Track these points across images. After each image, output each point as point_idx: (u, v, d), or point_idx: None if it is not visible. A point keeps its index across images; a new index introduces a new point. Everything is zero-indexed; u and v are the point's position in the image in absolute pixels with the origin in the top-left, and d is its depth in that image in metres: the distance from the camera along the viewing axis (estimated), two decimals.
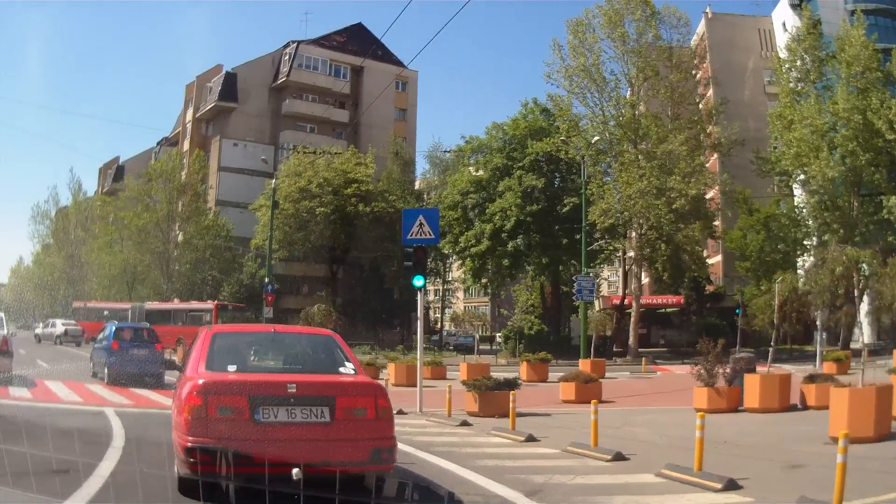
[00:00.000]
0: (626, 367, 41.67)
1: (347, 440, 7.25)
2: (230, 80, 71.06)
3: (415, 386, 23.66)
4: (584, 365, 32.05)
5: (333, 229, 58.33)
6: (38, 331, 54.97)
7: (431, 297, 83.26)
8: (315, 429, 7.18)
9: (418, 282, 18.91)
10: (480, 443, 13.85)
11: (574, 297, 47.33)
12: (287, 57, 73.09)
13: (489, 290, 67.73)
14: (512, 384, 17.81)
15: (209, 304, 51.62)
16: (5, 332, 21.53)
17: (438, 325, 79.42)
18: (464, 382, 19.21)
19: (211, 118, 73.98)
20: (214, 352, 7.97)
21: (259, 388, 7.26)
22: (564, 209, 49.07)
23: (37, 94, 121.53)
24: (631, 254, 49.43)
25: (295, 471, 6.60)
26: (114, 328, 25.41)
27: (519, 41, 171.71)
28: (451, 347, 62.93)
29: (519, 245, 50.43)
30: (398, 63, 77.87)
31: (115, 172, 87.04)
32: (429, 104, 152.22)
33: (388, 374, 28.60)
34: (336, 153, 62.21)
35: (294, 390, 7.22)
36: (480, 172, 54.16)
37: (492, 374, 23.43)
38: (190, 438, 6.84)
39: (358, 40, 73.99)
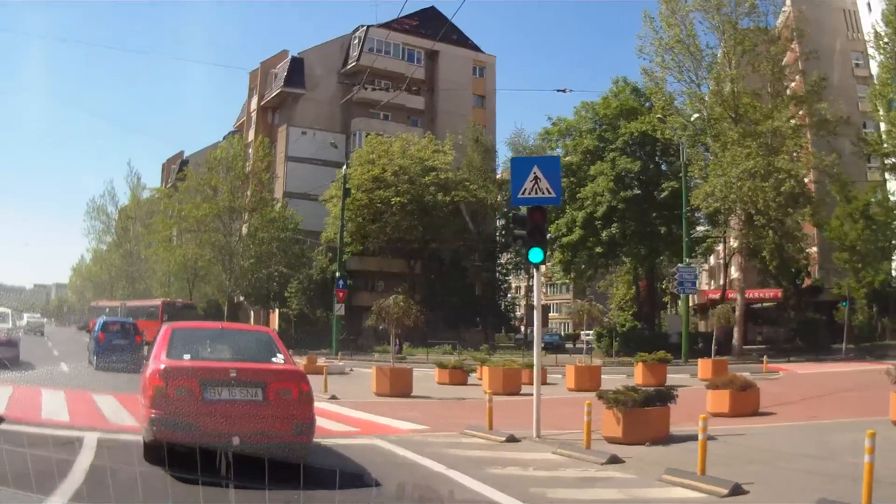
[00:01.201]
0: (737, 366, 40.41)
1: (276, 416, 9.74)
2: (297, 65, 71.82)
3: (516, 394, 23.89)
4: (704, 366, 31.59)
5: (410, 220, 58.38)
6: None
7: (513, 292, 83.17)
8: (251, 406, 9.69)
9: (536, 256, 14.85)
10: None
11: (674, 290, 47.10)
12: (357, 41, 73.45)
13: (579, 284, 66.98)
14: (665, 396, 14.46)
15: (157, 301, 63.49)
16: (9, 325, 29.57)
17: (516, 323, 79.50)
18: (601, 396, 14.14)
19: (277, 106, 75.10)
20: (173, 343, 10.62)
21: (207, 372, 9.79)
22: (662, 194, 48.94)
23: (96, 88, 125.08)
24: (733, 243, 48.87)
25: (235, 439, 9.12)
26: (101, 322, 31.48)
27: (603, 19, 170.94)
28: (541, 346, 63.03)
29: (614, 233, 50.17)
30: (474, 48, 78.60)
31: (179, 168, 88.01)
32: (508, 91, 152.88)
33: (482, 380, 26.79)
34: (412, 141, 62.55)
35: (235, 375, 9.73)
36: (569, 157, 54.09)
37: (603, 376, 24.27)
38: (153, 411, 9.39)
39: (431, 24, 74.01)
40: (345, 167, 53.72)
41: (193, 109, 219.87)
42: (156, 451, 9.22)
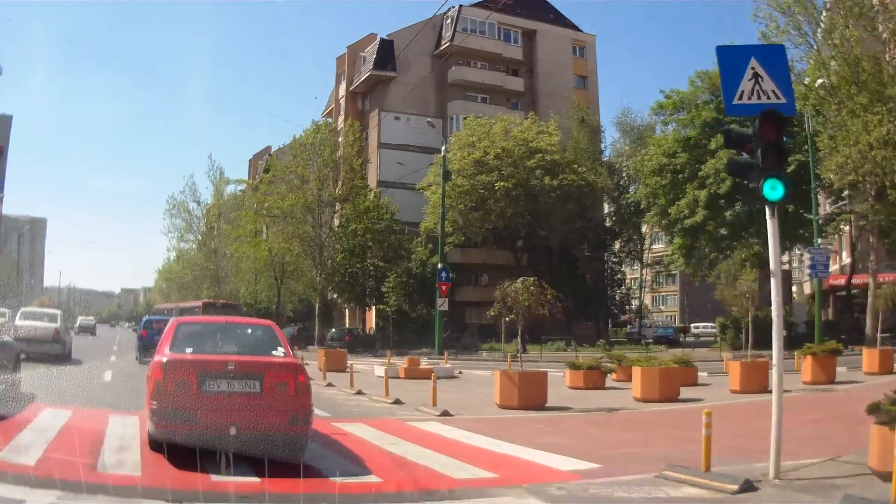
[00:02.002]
0: None
1: (272, 407, 10.42)
2: (386, 47, 71.84)
3: (674, 400, 20.58)
4: (870, 357, 28.24)
5: (516, 207, 57.39)
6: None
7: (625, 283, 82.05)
8: (248, 397, 10.35)
9: (774, 191, 10.30)
10: None
11: (809, 274, 45.79)
12: (449, 21, 73.21)
13: (698, 276, 65.15)
14: None
15: (199, 302, 64.96)
16: (58, 325, 31.62)
17: (630, 316, 78.48)
18: (875, 409, 9.36)
19: (367, 91, 75.32)
20: (177, 338, 11.39)
21: (206, 365, 10.49)
22: (787, 168, 47.49)
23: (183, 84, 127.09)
24: (860, 221, 47.26)
25: (231, 428, 9.91)
26: (144, 321, 36.14)
27: None
28: (651, 340, 61.97)
29: (739, 213, 48.87)
30: (573, 27, 77.87)
31: (267, 163, 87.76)
32: (609, 72, 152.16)
33: (627, 383, 23.39)
34: (514, 122, 61.44)
35: (233, 367, 10.43)
36: (687, 131, 53.09)
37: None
38: (153, 403, 10.13)
39: (527, 2, 74.00)
40: (444, 148, 52.94)
41: (279, 102, 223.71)
42: (159, 442, 10.29)
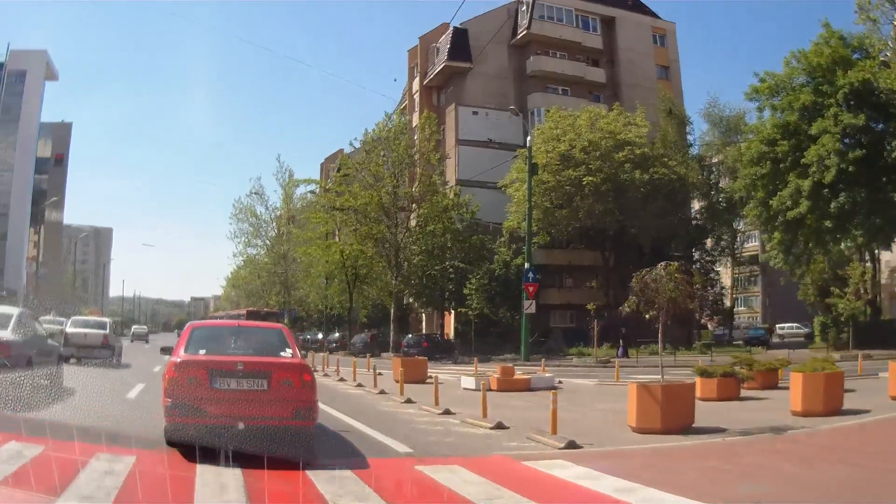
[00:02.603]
0: None
1: (278, 402, 11.82)
2: (460, 36, 71.53)
3: (836, 413, 17.44)
4: None
5: (605, 203, 56.49)
6: None
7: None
8: (256, 394, 11.71)
9: None
10: None
11: None
12: (525, 8, 73.08)
13: (796, 273, 63.28)
14: None
15: (243, 310, 71.74)
16: (107, 332, 36.17)
17: (708, 318, 77.06)
18: None
19: (441, 84, 75.25)
20: (192, 340, 12.91)
21: (216, 364, 11.89)
22: (894, 153, 46.28)
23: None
24: None
25: (240, 423, 11.26)
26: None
27: None
28: (742, 342, 60.96)
29: (844, 203, 47.37)
30: (652, 14, 77.24)
31: (338, 162, 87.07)
32: (689, 61, 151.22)
33: (791, 394, 18.74)
34: (600, 114, 60.49)
35: (241, 367, 11.84)
36: (786, 115, 51.83)
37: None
38: (167, 399, 11.48)
39: None
40: (528, 139, 52.36)
41: (350, 103, 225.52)
42: (174, 436, 11.65)
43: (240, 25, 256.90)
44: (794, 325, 77.76)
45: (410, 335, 63.25)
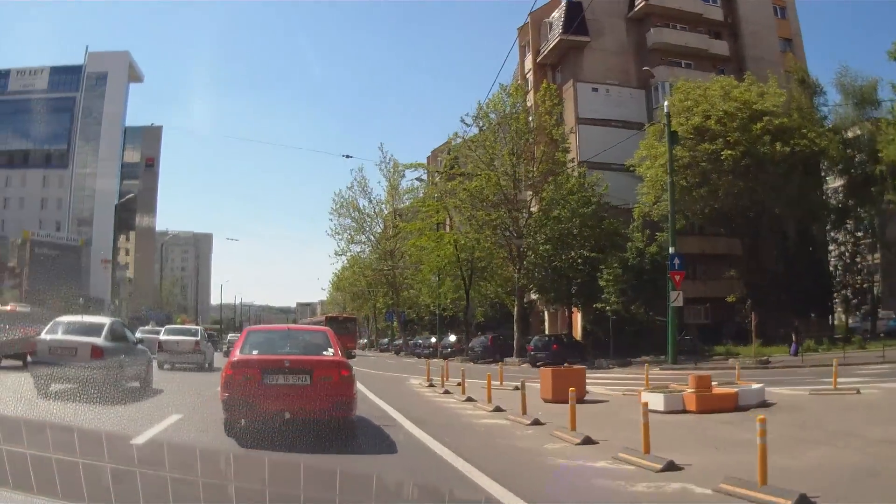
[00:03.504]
0: None
1: (319, 395, 14.02)
2: (574, 10, 68.72)
3: None
4: None
5: (745, 181, 52.97)
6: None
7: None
8: (300, 388, 14.08)
9: None
10: None
11: None
12: None
13: None
14: None
15: (323, 317, 78.51)
16: (198, 338, 41.43)
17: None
18: None
19: (557, 62, 73.55)
20: (247, 342, 15.55)
21: (267, 363, 14.38)
22: None
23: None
24: None
25: (286, 413, 13.69)
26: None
27: None
28: (883, 335, 57.87)
29: None
30: None
31: (450, 143, 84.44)
32: (810, 33, 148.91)
33: None
34: (732, 84, 57.28)
35: (288, 365, 14.25)
36: None
37: None
38: (224, 394, 14.03)
39: None
40: (665, 104, 50.03)
41: (457, 91, 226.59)
42: (232, 428, 14.26)
43: (336, 21, 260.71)
44: None
45: (537, 337, 59.63)
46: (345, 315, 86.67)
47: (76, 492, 5.80)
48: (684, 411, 19.03)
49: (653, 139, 53.56)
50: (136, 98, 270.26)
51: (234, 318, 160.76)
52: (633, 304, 53.34)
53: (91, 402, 18.42)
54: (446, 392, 28.28)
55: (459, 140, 65.01)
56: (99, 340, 22.13)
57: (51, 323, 23.55)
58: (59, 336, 22.18)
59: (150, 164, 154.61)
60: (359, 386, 20.92)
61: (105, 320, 25.15)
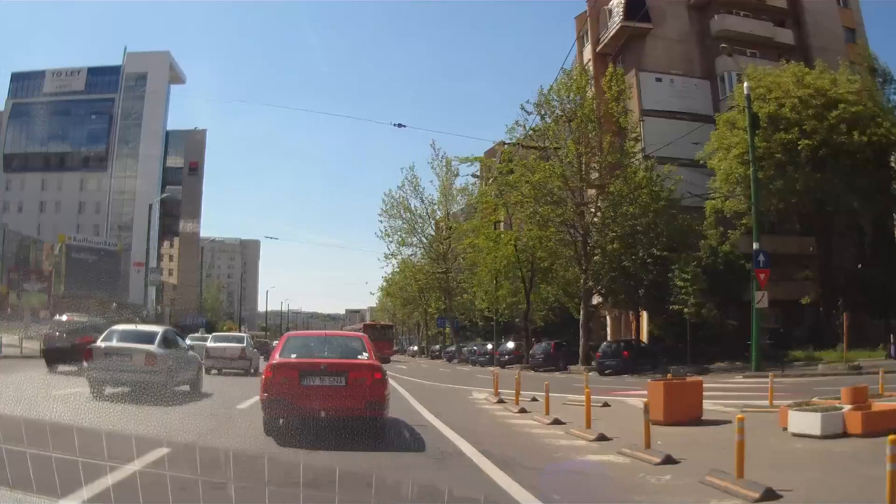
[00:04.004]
0: None
1: (353, 396, 15.42)
2: None
3: None
4: None
5: (823, 172, 50.61)
6: None
7: None
8: (335, 389, 15.46)
9: None
10: None
11: None
12: None
13: None
14: None
15: (361, 325, 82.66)
16: (244, 345, 44.16)
17: None
18: None
19: (617, 52, 71.97)
20: (286, 347, 17.05)
21: (304, 366, 15.80)
22: None
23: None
24: None
25: (322, 412, 15.18)
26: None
27: None
28: None
29: None
30: None
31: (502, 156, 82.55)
32: (872, 21, 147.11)
33: None
34: (804, 71, 55.46)
35: (324, 367, 15.65)
36: None
37: None
38: (264, 394, 15.43)
39: None
40: (745, 85, 47.44)
41: (510, 92, 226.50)
42: (270, 427, 15.56)
43: (382, 24, 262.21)
44: None
45: (605, 343, 57.25)
46: (381, 323, 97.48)
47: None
48: (845, 434, 15.49)
49: (724, 129, 51.82)
50: (179, 100, 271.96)
51: (281, 325, 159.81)
52: (704, 307, 50.25)
53: (139, 403, 20.95)
54: (522, 411, 23.33)
55: (520, 130, 61.46)
56: (152, 347, 24.24)
57: (106, 331, 25.98)
58: (115, 343, 24.28)
59: (194, 169, 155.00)
60: (415, 404, 22.40)
61: (158, 329, 27.43)
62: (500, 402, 27.20)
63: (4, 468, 7.35)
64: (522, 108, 59.76)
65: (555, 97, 58.35)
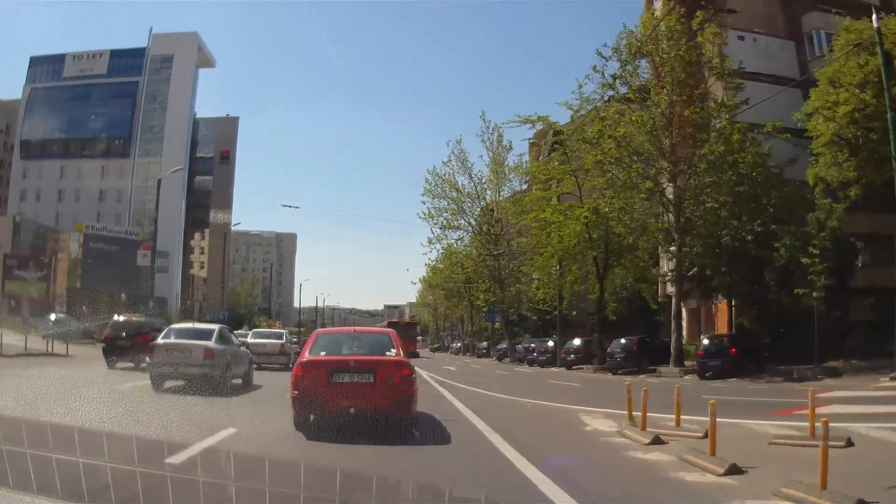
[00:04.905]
0: None
1: (382, 393, 16.20)
2: None
3: None
4: None
5: None
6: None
7: None
8: (364, 386, 16.29)
9: None
10: None
11: None
12: None
13: None
14: None
15: (386, 321, 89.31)
16: (283, 341, 47.42)
17: None
18: None
19: (691, 9, 66.53)
20: (315, 344, 17.98)
21: (333, 364, 16.64)
22: None
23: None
24: None
25: (351, 409, 15.89)
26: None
27: None
28: None
29: None
30: None
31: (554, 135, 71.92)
32: None
33: None
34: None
35: (353, 364, 16.59)
36: None
37: None
38: (294, 391, 16.30)
39: None
40: (875, 17, 41.34)
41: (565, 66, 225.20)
42: (300, 423, 16.35)
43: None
44: None
45: (706, 339, 48.35)
46: (405, 321, 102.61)
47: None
48: None
49: (827, 86, 46.05)
50: (209, 86, 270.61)
51: (316, 321, 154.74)
52: (834, 291, 43.14)
53: (199, 394, 23.49)
54: (733, 471, 12.01)
55: (596, 79, 52.79)
56: (210, 343, 26.67)
57: (166, 329, 29.97)
58: (174, 340, 27.01)
59: (226, 158, 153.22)
60: (508, 451, 14.48)
61: (214, 326, 30.10)
62: (658, 441, 15.35)
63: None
64: (599, 54, 51.88)
65: (637, 38, 51.78)
